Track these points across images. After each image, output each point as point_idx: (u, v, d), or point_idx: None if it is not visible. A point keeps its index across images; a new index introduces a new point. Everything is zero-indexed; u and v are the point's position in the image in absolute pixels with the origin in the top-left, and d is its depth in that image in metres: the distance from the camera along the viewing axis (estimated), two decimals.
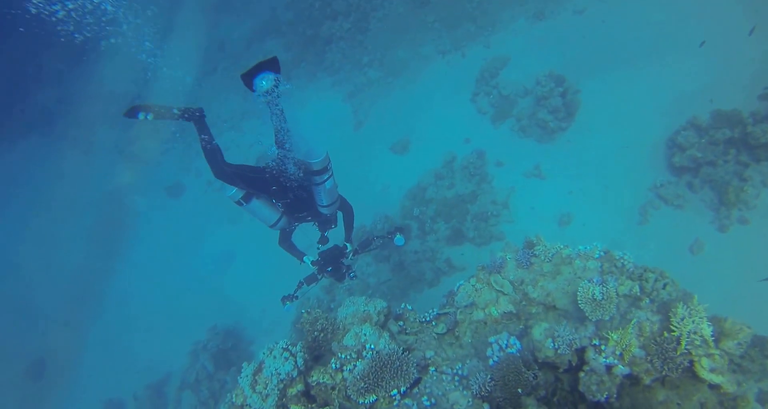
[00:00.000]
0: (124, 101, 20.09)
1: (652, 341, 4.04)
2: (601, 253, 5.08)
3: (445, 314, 5.54)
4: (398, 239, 6.73)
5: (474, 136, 11.08)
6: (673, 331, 3.98)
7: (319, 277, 6.62)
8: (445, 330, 5.28)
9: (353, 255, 6.68)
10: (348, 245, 6.58)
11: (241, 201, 5.77)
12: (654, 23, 10.24)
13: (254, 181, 5.74)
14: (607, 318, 4.18)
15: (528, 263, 4.99)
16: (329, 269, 6.47)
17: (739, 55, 8.77)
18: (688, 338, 3.93)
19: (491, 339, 4.53)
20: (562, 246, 5.01)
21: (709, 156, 8.04)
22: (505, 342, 4.42)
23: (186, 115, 5.34)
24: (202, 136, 5.39)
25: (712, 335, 4.00)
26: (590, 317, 4.20)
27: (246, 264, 13.75)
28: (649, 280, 4.24)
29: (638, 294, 4.23)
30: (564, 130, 10.15)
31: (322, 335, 5.25)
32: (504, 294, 4.84)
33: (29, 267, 18.42)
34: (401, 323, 5.60)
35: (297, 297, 6.57)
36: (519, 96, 11.03)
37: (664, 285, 4.20)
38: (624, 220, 8.83)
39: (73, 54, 22.60)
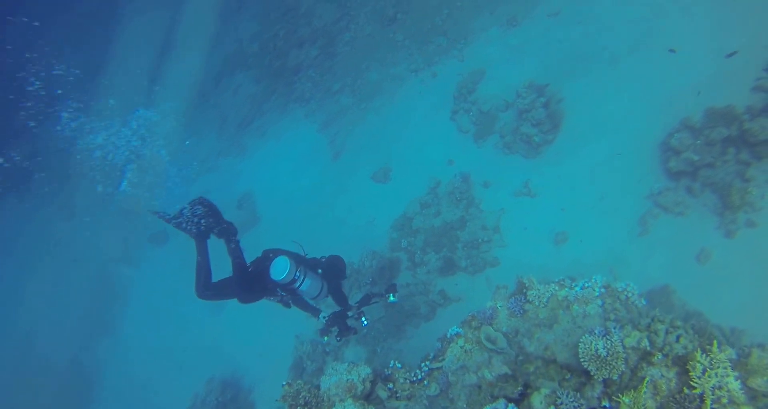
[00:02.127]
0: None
1: (671, 399, 3.58)
2: (602, 289, 4.66)
3: (438, 368, 5.12)
4: (391, 298, 6.69)
5: (457, 157, 10.71)
6: (695, 388, 3.51)
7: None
8: (437, 391, 4.86)
9: (355, 311, 6.68)
10: (349, 313, 6.59)
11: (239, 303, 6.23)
12: (632, 20, 9.92)
13: (233, 292, 6.15)
14: (615, 377, 3.73)
15: (521, 310, 4.56)
16: (339, 339, 6.54)
17: (724, 47, 8.41)
18: (712, 395, 3.46)
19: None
20: (556, 287, 4.59)
21: (706, 158, 7.62)
22: None
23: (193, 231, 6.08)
24: (198, 257, 6.01)
25: (741, 387, 3.54)
26: (596, 377, 3.75)
27: (238, 310, 13.30)
28: (659, 332, 3.78)
29: (648, 348, 3.77)
30: (551, 143, 9.76)
31: None
32: (497, 353, 4.38)
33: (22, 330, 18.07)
34: (390, 385, 5.19)
35: (331, 331, 6.66)
36: (500, 110, 10.67)
37: (678, 338, 3.74)
38: (623, 232, 8.39)
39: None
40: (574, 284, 5.11)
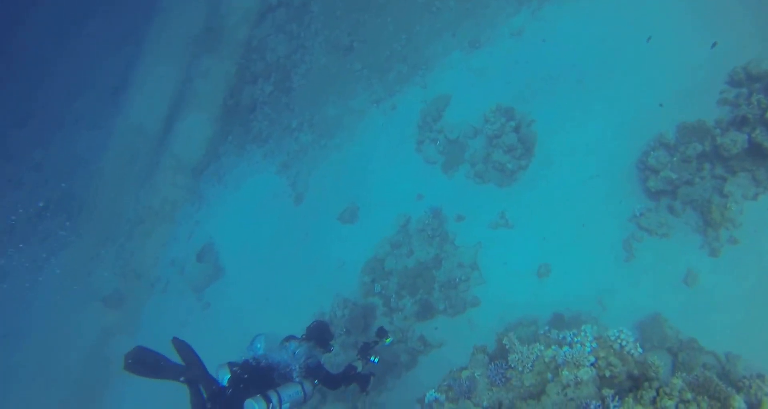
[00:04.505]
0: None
1: None
2: (593, 344, 4.60)
3: None
4: (388, 341, 7.39)
5: (426, 190, 10.81)
6: None
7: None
8: None
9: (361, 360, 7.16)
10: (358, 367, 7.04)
11: None
12: (597, 36, 10.22)
13: None
14: None
15: (503, 379, 4.47)
16: (367, 393, 7.06)
17: (686, 61, 8.73)
18: None
19: None
20: (541, 347, 4.53)
21: (684, 175, 7.79)
22: None
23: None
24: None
25: None
26: None
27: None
28: None
29: None
30: (525, 169, 9.89)
31: None
32: None
33: None
34: None
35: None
36: (468, 137, 10.83)
37: None
38: (609, 259, 8.45)
39: None
40: (561, 337, 5.02)
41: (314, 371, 6.56)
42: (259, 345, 6.46)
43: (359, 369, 6.96)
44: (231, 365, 6.22)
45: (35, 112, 26.22)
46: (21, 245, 20.43)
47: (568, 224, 9.08)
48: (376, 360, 7.08)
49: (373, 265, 10.49)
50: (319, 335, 7.02)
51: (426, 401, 5.12)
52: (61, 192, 20.27)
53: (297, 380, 6.33)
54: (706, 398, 3.83)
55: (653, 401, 3.87)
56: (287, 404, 5.97)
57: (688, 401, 3.78)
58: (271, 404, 5.80)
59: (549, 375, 4.38)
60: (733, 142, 7.24)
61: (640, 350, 4.75)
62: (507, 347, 4.77)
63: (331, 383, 6.69)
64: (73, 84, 24.33)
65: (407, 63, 12.70)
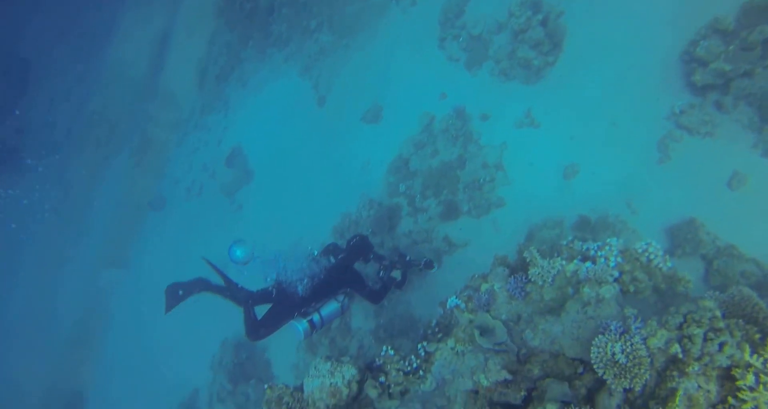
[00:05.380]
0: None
1: None
2: (617, 258, 3.59)
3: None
4: (434, 269, 7.61)
5: (450, 89, 9.32)
6: (745, 402, 2.47)
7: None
8: (434, 386, 3.94)
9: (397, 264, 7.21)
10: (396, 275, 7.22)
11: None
12: None
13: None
14: (638, 388, 2.67)
15: (522, 292, 3.53)
16: (401, 288, 7.32)
17: None
18: None
19: None
20: (563, 262, 3.51)
21: (742, 66, 6.13)
22: None
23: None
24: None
25: None
26: (614, 386, 2.71)
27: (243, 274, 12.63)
28: (695, 339, 2.66)
29: (680, 356, 2.67)
30: (552, 65, 8.29)
31: None
32: (495, 353, 3.31)
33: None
34: (382, 378, 4.27)
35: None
36: (492, 33, 9.12)
37: (720, 346, 2.61)
38: (641, 160, 7.07)
39: None
40: (585, 248, 4.04)
41: (358, 289, 6.35)
42: (238, 252, 5.99)
43: (398, 278, 7.03)
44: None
45: (73, 28, 24.64)
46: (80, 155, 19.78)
47: (597, 122, 7.64)
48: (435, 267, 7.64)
49: (398, 165, 9.32)
50: (361, 249, 6.80)
51: (448, 305, 4.62)
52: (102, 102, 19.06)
53: (339, 297, 6.29)
54: (740, 322, 2.90)
55: (679, 327, 3.01)
56: (327, 320, 6.08)
57: (720, 331, 2.78)
58: (315, 329, 5.86)
59: (570, 290, 3.52)
60: None
61: (669, 263, 4.00)
62: (528, 260, 3.80)
63: (375, 299, 6.61)
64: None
65: None
